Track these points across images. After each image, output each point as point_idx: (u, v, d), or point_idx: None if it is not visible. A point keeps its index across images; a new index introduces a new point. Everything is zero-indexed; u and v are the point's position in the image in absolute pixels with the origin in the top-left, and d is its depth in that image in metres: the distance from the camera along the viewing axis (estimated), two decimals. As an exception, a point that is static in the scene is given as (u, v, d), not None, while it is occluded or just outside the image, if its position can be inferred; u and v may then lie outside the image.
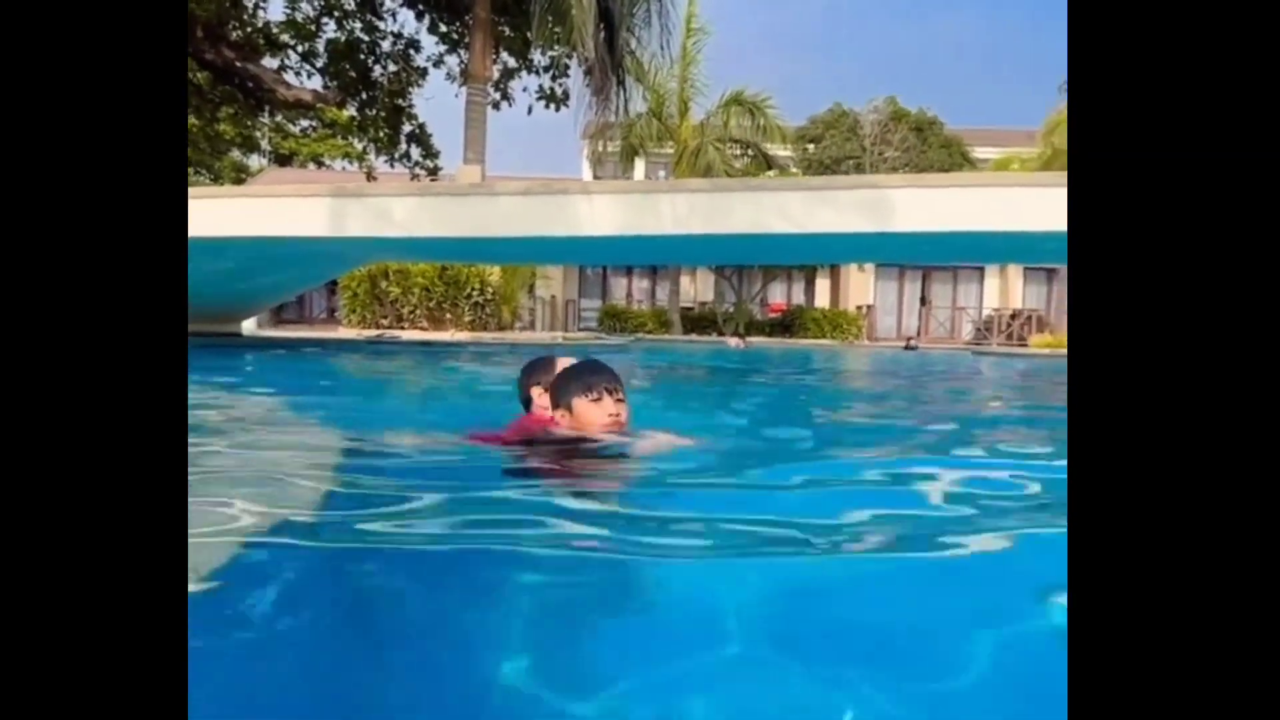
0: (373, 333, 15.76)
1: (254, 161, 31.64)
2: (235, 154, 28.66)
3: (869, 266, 30.09)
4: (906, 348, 23.82)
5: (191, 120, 24.48)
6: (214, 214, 8.51)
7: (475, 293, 17.46)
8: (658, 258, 18.79)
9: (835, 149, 32.25)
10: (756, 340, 23.05)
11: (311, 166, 33.55)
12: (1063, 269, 27.72)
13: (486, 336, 16.12)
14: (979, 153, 31.96)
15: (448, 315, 17.42)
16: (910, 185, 7.80)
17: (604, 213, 8.42)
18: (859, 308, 30.04)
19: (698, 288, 31.68)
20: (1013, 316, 28.98)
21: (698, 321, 28.45)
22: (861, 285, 30.85)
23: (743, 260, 23.87)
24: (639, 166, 27.15)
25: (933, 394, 7.18)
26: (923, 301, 31.47)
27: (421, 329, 17.19)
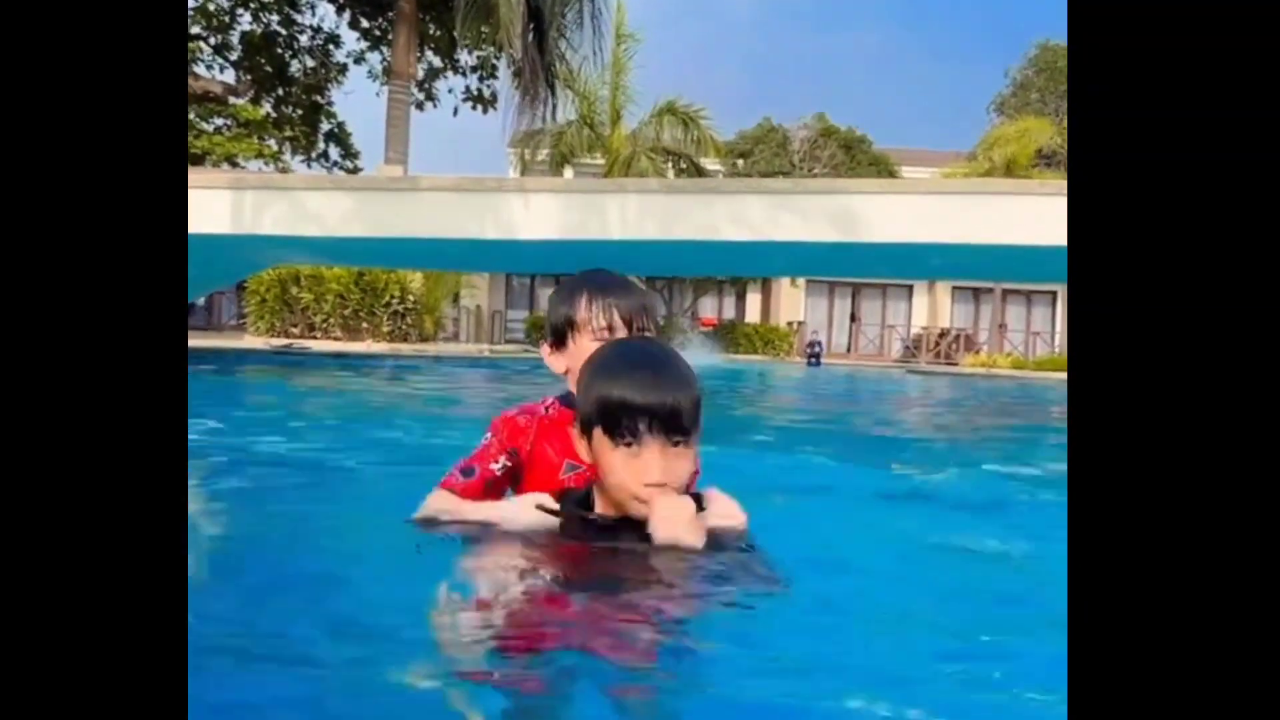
0: (280, 343, 14.52)
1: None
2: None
3: (800, 282, 29.82)
4: (809, 359, 23.21)
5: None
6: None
7: (395, 301, 16.31)
8: (600, 266, 17.81)
9: (764, 164, 31.98)
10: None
11: (226, 166, 32.08)
12: (990, 288, 27.84)
13: (406, 348, 15.04)
14: (907, 172, 31.99)
15: (364, 325, 16.23)
16: (886, 191, 7.14)
17: (543, 214, 7.56)
18: (790, 323, 29.70)
19: (627, 300, 30.95)
20: (941, 335, 29.01)
21: (627, 335, 27.71)
22: (793, 301, 30.55)
23: (693, 271, 23.07)
24: (568, 176, 26.37)
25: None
26: (853, 318, 31.35)
27: (335, 339, 15.98)
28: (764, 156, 32.35)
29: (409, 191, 7.98)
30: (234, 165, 31.15)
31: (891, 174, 31.56)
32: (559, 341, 1.75)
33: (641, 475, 1.42)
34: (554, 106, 19.58)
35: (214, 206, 7.75)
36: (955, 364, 24.85)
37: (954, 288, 30.53)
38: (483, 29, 18.34)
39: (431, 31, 21.19)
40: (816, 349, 23.81)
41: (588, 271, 1.85)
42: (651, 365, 1.45)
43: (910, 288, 30.94)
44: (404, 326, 16.32)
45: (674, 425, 1.42)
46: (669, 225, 7.38)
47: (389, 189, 8.18)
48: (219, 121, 29.02)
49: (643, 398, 1.40)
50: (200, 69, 20.63)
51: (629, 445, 1.41)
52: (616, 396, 1.41)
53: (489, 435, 1.75)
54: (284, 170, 27.21)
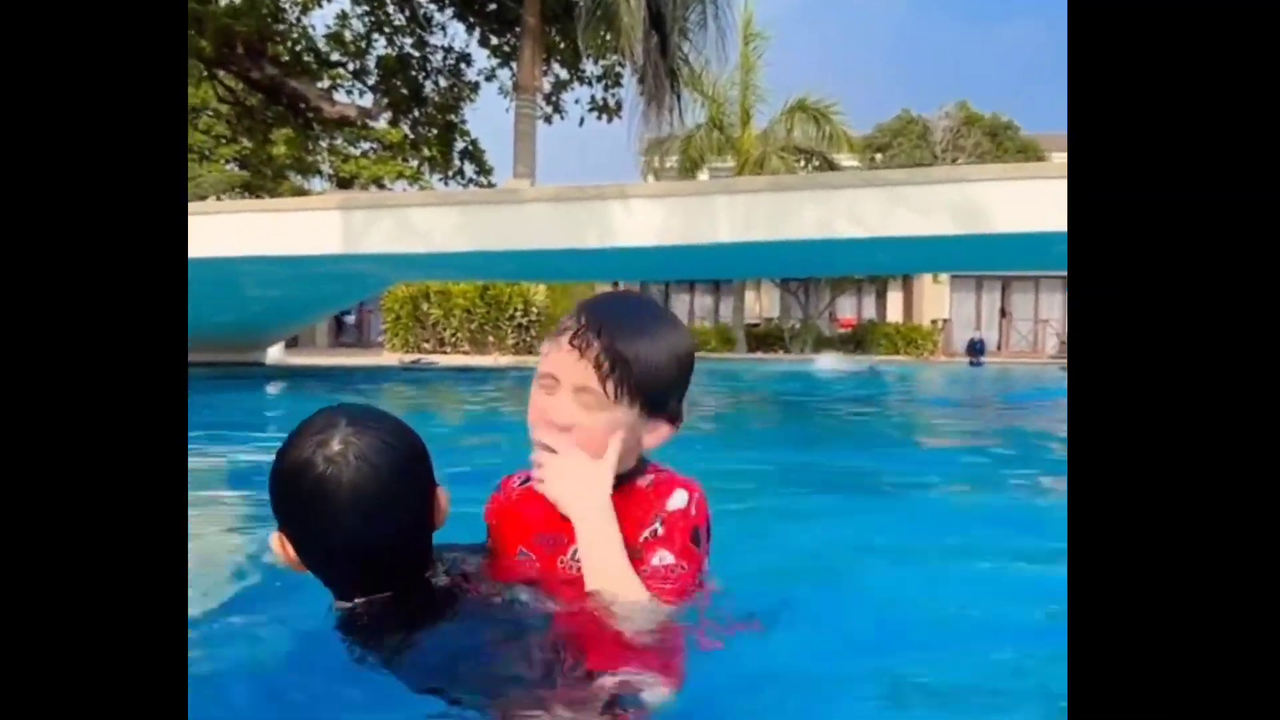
0: (410, 359, 14.82)
1: (316, 185, 31.54)
2: (295, 178, 28.53)
3: (944, 277, 28.50)
4: (971, 361, 22.01)
5: (244, 142, 24.29)
6: (205, 233, 7.57)
7: (518, 313, 16.41)
8: (707, 270, 17.36)
9: (904, 157, 30.77)
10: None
11: (373, 188, 33.50)
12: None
13: (531, 360, 15.05)
14: (1058, 158, 30.14)
15: (490, 338, 16.40)
16: (1008, 178, 6.49)
17: (646, 220, 7.28)
18: (934, 322, 28.42)
19: (763, 303, 30.39)
20: (1101, 329, 27.09)
21: (763, 339, 27.14)
22: (936, 298, 29.21)
23: (806, 271, 22.35)
24: (703, 179, 26.09)
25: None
26: (1002, 314, 29.73)
27: (464, 353, 16.21)
28: (904, 149, 31.16)
29: (512, 204, 7.86)
30: (380, 187, 32.50)
31: (1040, 159, 29.81)
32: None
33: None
34: (680, 110, 19.37)
35: (326, 226, 7.87)
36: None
37: (1115, 278, 28.50)
38: (606, 37, 18.30)
39: (557, 43, 21.34)
40: (979, 347, 22.64)
41: (611, 294, 1.44)
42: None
43: (1065, 279, 29.10)
44: (529, 339, 16.41)
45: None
46: (778, 225, 6.96)
47: (492, 202, 8.10)
48: (365, 145, 30.32)
49: None
50: (341, 95, 21.46)
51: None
52: None
53: None
54: (425, 189, 28.08)
